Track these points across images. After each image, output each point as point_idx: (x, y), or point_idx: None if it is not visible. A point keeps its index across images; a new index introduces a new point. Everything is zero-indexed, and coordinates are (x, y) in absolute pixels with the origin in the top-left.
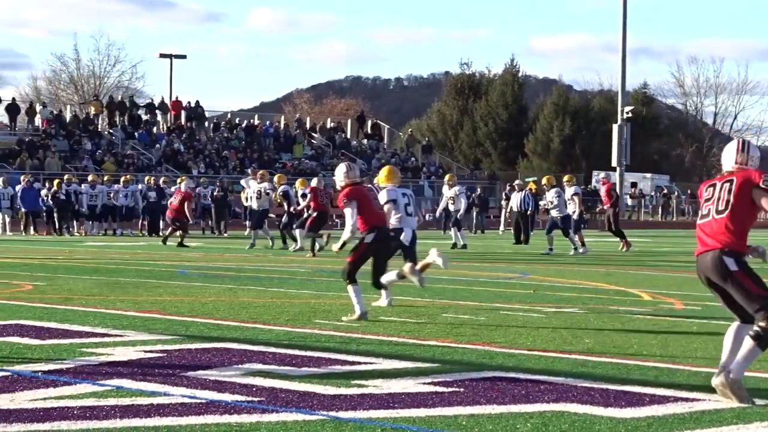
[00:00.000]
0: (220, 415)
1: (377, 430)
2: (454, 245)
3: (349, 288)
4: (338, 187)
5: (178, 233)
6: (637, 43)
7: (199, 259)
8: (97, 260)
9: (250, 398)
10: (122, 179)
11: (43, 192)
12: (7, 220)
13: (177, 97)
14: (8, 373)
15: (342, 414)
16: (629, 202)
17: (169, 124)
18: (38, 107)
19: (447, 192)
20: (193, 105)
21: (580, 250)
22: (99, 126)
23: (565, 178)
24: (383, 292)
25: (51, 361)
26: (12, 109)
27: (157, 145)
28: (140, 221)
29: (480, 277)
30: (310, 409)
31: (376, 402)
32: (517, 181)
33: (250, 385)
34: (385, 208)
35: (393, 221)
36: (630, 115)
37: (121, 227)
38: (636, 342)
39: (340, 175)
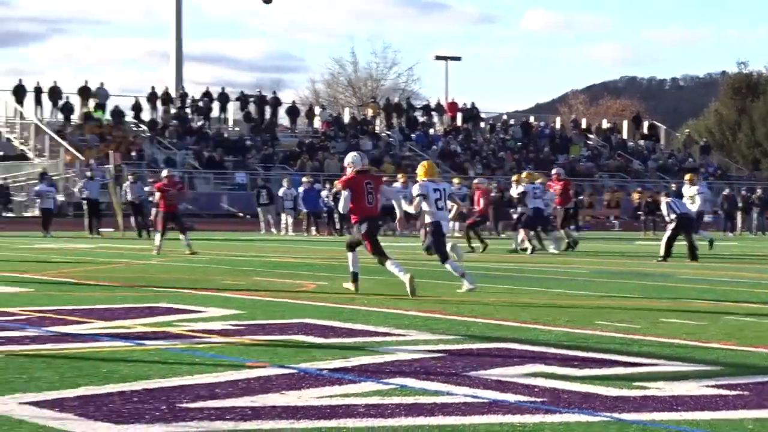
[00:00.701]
0: (503, 415)
1: None
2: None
3: (348, 254)
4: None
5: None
6: None
7: (478, 259)
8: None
9: (532, 398)
10: (400, 180)
11: (324, 193)
12: (290, 220)
13: (453, 99)
14: (295, 371)
15: (625, 416)
16: None
17: (445, 126)
18: (317, 110)
19: (687, 191)
20: (468, 106)
21: None
22: (377, 128)
23: None
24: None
25: (336, 359)
26: (292, 111)
27: (434, 147)
28: (417, 222)
29: (762, 279)
30: (593, 411)
31: (659, 404)
32: None
33: (532, 385)
34: (415, 201)
35: (426, 215)
36: None
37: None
38: None
39: (348, 162)
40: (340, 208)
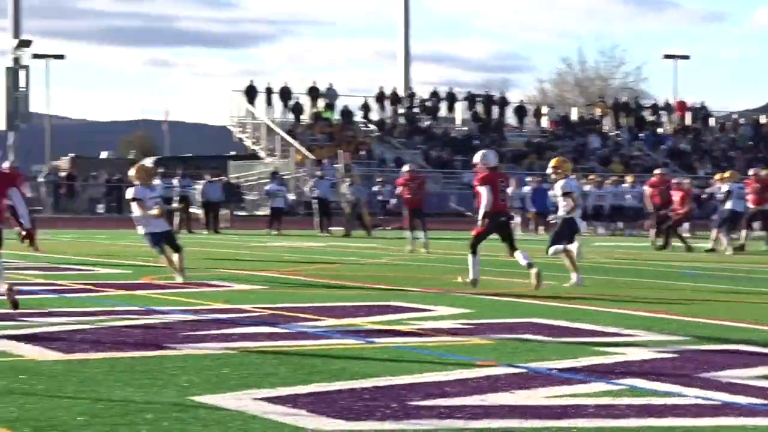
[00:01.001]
0: (735, 417)
1: None
2: None
3: (469, 257)
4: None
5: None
6: None
7: (705, 259)
8: (607, 260)
9: (764, 401)
10: (628, 180)
11: (551, 193)
12: (518, 220)
13: (682, 98)
14: (524, 370)
15: None
16: None
17: (674, 125)
18: (545, 109)
19: None
20: (697, 105)
21: None
22: (604, 127)
23: None
24: (573, 275)
25: (565, 358)
26: (520, 111)
27: (662, 146)
28: (646, 222)
29: None
30: None
31: None
32: None
33: (764, 387)
34: (571, 197)
35: (567, 211)
36: None
37: (628, 228)
38: None
39: (479, 159)
40: (483, 205)
